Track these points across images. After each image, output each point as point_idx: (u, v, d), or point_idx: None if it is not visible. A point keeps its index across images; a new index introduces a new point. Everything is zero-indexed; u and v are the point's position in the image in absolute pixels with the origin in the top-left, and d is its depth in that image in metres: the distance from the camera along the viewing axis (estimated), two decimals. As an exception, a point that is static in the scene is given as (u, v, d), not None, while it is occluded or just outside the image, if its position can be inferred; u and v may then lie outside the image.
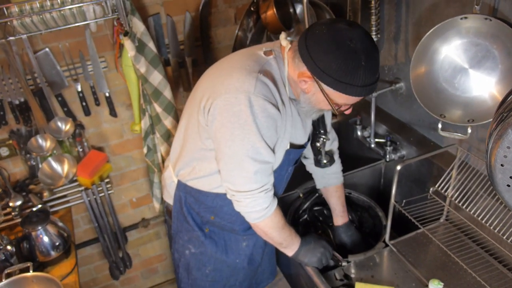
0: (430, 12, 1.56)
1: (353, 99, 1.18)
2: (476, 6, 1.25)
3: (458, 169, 1.47)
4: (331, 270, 1.52)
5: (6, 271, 1.54)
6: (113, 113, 2.08)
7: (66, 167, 1.94)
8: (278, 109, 1.21)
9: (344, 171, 1.71)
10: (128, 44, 1.71)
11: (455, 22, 1.29)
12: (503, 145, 0.90)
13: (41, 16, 1.56)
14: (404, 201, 1.55)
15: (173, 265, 1.75)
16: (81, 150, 2.07)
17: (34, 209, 1.79)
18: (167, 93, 1.89)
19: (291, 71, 1.24)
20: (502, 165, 0.93)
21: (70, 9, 1.58)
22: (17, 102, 1.84)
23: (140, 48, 1.76)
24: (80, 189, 2.01)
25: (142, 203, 2.43)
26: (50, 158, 1.91)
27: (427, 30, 1.35)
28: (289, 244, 1.43)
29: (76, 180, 2.02)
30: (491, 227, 1.31)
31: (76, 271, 1.70)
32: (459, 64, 1.34)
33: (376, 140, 1.94)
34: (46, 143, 1.87)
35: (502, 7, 1.28)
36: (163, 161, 2.08)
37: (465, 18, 1.27)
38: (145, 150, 2.08)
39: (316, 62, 1.12)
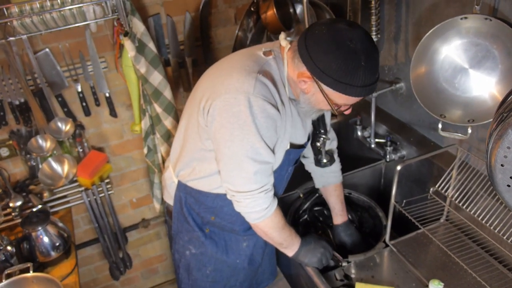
0: (430, 12, 1.56)
1: (353, 100, 1.18)
2: (476, 6, 1.25)
3: (458, 169, 1.47)
4: (331, 270, 1.52)
5: (6, 271, 1.54)
6: (113, 113, 2.08)
7: (66, 167, 1.94)
8: (278, 110, 1.21)
9: (344, 171, 1.71)
10: (128, 45, 1.71)
11: (455, 22, 1.29)
12: (503, 145, 0.90)
13: (41, 17, 1.56)
14: (404, 201, 1.55)
15: (173, 266, 1.75)
16: (81, 150, 2.07)
17: (34, 209, 1.79)
18: (167, 93, 1.89)
19: (290, 71, 1.24)
20: (502, 165, 0.93)
21: (70, 9, 1.58)
22: (17, 102, 1.84)
23: (140, 48, 1.76)
24: (80, 189, 2.01)
25: (142, 204, 2.44)
26: (50, 159, 1.91)
27: (427, 30, 1.34)
28: (289, 244, 1.43)
29: (76, 181, 2.02)
30: (491, 227, 1.31)
31: (76, 271, 1.70)
32: (459, 64, 1.34)
33: (376, 140, 1.94)
34: (46, 144, 1.87)
35: (502, 7, 1.28)
36: (164, 161, 2.08)
37: (465, 18, 1.27)
38: (145, 150, 2.08)
39: (315, 62, 1.12)
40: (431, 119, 1.66)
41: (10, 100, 1.83)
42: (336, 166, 1.66)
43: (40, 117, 1.83)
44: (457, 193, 1.43)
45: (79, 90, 1.95)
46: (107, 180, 2.07)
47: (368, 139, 1.97)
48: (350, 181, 1.87)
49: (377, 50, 1.15)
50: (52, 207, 1.94)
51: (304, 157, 1.66)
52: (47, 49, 1.84)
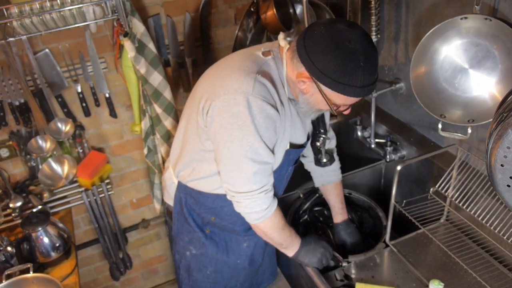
0: (430, 12, 1.56)
1: (352, 100, 1.18)
2: (476, 6, 1.25)
3: (458, 169, 1.47)
4: (331, 270, 1.52)
5: (6, 272, 1.54)
6: (113, 114, 2.08)
7: (66, 168, 1.94)
8: (277, 110, 1.21)
9: (344, 171, 1.70)
10: (128, 45, 1.71)
11: (455, 22, 1.29)
12: (503, 145, 0.90)
13: (40, 17, 1.56)
14: (404, 201, 1.55)
15: (173, 266, 1.75)
16: (81, 151, 2.07)
17: (34, 210, 1.79)
18: (167, 93, 1.89)
19: (289, 71, 1.24)
20: (502, 165, 0.92)
21: (70, 10, 1.58)
22: (17, 103, 1.84)
23: (140, 49, 1.76)
24: (80, 190, 2.01)
25: (142, 204, 2.44)
26: (50, 159, 1.91)
27: (427, 30, 1.34)
28: (289, 244, 1.43)
29: (76, 181, 2.02)
30: (492, 227, 1.31)
31: (77, 272, 1.70)
32: (459, 64, 1.34)
33: (376, 140, 1.94)
34: (46, 144, 1.87)
35: (502, 7, 1.28)
36: (164, 162, 2.08)
37: (465, 18, 1.27)
38: (145, 151, 2.08)
39: (314, 62, 1.12)
40: (431, 119, 1.66)
41: (10, 101, 1.84)
42: (336, 164, 1.66)
43: (40, 118, 1.83)
44: (457, 193, 1.43)
45: (79, 90, 1.95)
46: (107, 181, 2.07)
47: (368, 139, 1.97)
48: (350, 181, 1.87)
49: (376, 51, 1.15)
50: (52, 207, 1.94)
51: (303, 156, 1.66)
52: (47, 50, 1.84)
